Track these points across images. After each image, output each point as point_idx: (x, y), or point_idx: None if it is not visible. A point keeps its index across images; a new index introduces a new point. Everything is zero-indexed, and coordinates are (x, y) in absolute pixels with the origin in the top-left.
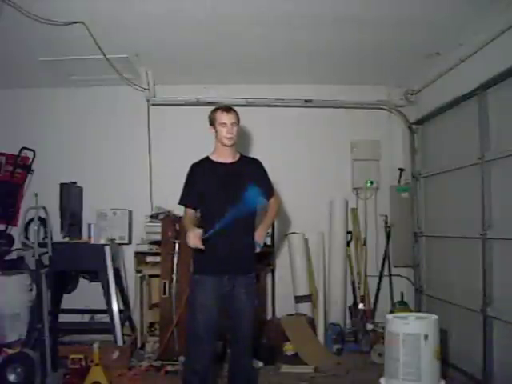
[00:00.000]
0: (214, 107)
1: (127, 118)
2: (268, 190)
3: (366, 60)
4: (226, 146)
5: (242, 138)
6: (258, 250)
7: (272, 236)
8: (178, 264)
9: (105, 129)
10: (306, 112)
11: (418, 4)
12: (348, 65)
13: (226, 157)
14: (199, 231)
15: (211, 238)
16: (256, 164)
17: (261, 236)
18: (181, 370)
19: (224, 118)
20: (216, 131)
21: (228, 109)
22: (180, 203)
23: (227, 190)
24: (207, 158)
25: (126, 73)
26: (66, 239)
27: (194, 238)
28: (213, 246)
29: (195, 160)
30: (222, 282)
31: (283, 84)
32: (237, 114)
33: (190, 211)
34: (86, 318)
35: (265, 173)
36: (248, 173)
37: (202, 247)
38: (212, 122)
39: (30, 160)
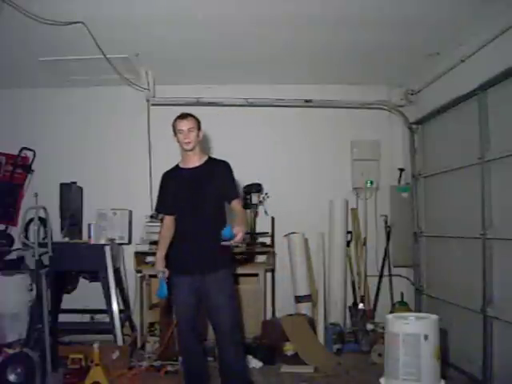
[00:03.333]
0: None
1: (127, 118)
2: (230, 191)
3: (366, 60)
4: (186, 150)
5: (242, 137)
6: (225, 242)
7: (272, 236)
8: None
9: (105, 129)
10: (306, 112)
11: (417, 4)
12: (348, 65)
13: (190, 162)
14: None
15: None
16: (223, 166)
17: (238, 231)
18: (181, 370)
19: (180, 125)
20: (177, 139)
21: (184, 115)
22: (155, 210)
23: (191, 193)
24: (177, 166)
25: (126, 73)
26: (66, 239)
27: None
28: (182, 247)
29: None
30: (194, 280)
31: (283, 84)
32: (195, 120)
33: (168, 217)
34: (86, 318)
35: (230, 175)
36: (213, 174)
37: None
38: (173, 132)
39: (30, 160)
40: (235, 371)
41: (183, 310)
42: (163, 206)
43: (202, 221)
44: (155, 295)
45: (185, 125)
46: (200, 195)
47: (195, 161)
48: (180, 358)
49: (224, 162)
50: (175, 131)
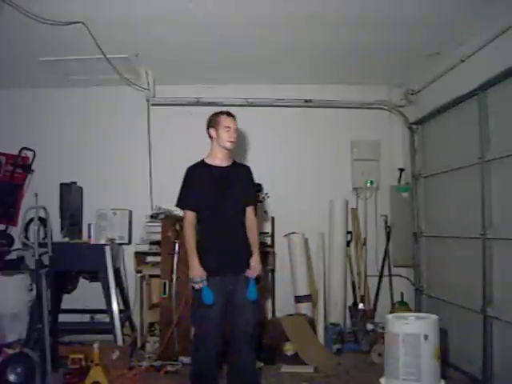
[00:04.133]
0: (216, 110)
1: (127, 118)
2: (250, 197)
3: (366, 60)
4: (227, 149)
5: (242, 138)
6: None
7: (272, 236)
8: (177, 264)
9: (105, 129)
10: (306, 112)
11: (417, 4)
12: (348, 65)
13: (221, 160)
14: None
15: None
16: (247, 171)
17: (257, 268)
18: (181, 370)
19: (229, 122)
20: (217, 134)
21: (232, 114)
22: (178, 206)
23: (222, 192)
24: (203, 162)
25: (126, 73)
26: (66, 239)
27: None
28: (215, 247)
29: (195, 160)
30: (224, 281)
31: (283, 84)
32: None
33: (192, 215)
34: (86, 318)
35: (252, 181)
36: (239, 177)
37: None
38: (213, 125)
39: (30, 160)
40: (252, 374)
41: (215, 313)
42: (189, 202)
43: (232, 220)
44: (203, 303)
45: (233, 123)
46: (230, 195)
47: (225, 160)
48: (181, 358)
49: (248, 166)
50: (217, 126)
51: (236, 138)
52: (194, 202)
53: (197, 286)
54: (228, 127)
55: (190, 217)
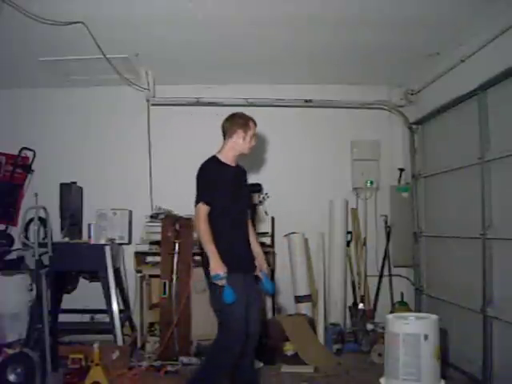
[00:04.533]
0: (237, 113)
1: (127, 118)
2: (250, 199)
3: (366, 60)
4: (245, 154)
5: None
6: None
7: (272, 236)
8: (177, 264)
9: (105, 129)
10: (306, 112)
11: (417, 4)
12: (348, 65)
13: (232, 161)
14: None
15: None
16: (245, 174)
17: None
18: (181, 370)
19: (255, 131)
20: (244, 138)
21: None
22: (205, 200)
23: (239, 191)
24: (218, 160)
25: (126, 73)
26: (66, 239)
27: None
28: (238, 244)
29: (195, 160)
30: (245, 279)
31: (283, 84)
32: None
33: (206, 211)
34: (86, 318)
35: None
36: (243, 180)
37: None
38: (244, 129)
39: (30, 160)
40: (255, 373)
41: (242, 310)
42: (212, 196)
43: (243, 220)
44: (224, 301)
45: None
46: (242, 195)
47: (234, 161)
48: (181, 358)
49: (245, 170)
50: (248, 129)
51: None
52: (214, 198)
53: (220, 283)
54: (255, 135)
55: (205, 211)
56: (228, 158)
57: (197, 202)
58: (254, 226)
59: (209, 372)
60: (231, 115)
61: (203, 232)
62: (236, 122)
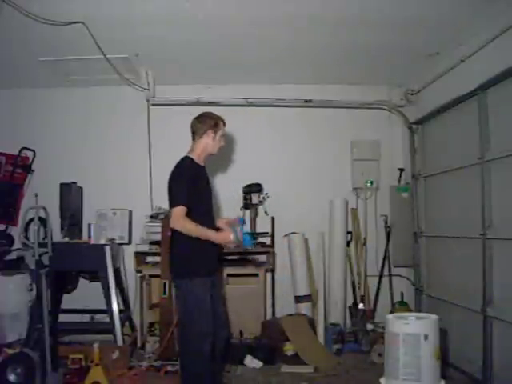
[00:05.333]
0: (206, 113)
1: (127, 118)
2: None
3: (366, 60)
4: (213, 154)
5: (242, 138)
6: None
7: (272, 236)
8: None
9: (105, 129)
10: (306, 112)
11: (417, 4)
12: (348, 65)
13: (202, 161)
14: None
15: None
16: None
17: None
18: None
19: (224, 131)
20: (214, 138)
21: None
22: (182, 203)
23: (210, 192)
24: (193, 160)
25: (126, 73)
26: (66, 239)
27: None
28: (209, 246)
29: None
30: (212, 281)
31: (283, 84)
32: None
33: (184, 213)
34: (86, 318)
35: None
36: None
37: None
38: (211, 128)
39: (30, 160)
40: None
41: (209, 312)
42: (186, 199)
43: (214, 221)
44: (243, 246)
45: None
46: (210, 195)
47: (204, 162)
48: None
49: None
50: (217, 129)
51: None
52: (194, 200)
53: (234, 239)
54: (224, 136)
55: (184, 213)
56: (199, 158)
57: (175, 205)
58: None
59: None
60: (201, 115)
61: (191, 229)
62: (206, 123)
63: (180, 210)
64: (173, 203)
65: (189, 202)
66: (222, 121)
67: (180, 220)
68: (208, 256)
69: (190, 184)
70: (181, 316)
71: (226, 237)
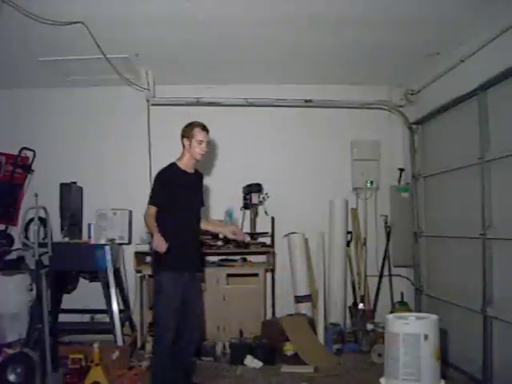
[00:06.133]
0: (190, 121)
1: (127, 118)
2: (202, 202)
3: (366, 60)
4: (197, 160)
5: (242, 137)
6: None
7: (272, 236)
8: None
9: (105, 129)
10: (307, 112)
11: (418, 4)
12: (348, 65)
13: (190, 168)
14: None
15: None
16: (202, 178)
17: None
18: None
19: (201, 135)
20: (190, 145)
21: (206, 127)
22: (154, 203)
23: (191, 196)
24: (175, 165)
25: (126, 73)
26: (66, 239)
27: (162, 242)
28: (183, 245)
29: None
30: (184, 278)
31: (283, 84)
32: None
33: (155, 210)
34: (86, 318)
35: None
36: (199, 185)
37: (163, 251)
38: (187, 136)
39: (30, 160)
40: (190, 368)
41: (176, 308)
42: (164, 200)
43: (195, 223)
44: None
45: (205, 137)
46: (196, 200)
47: (192, 168)
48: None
49: (202, 174)
50: (191, 137)
51: (207, 152)
52: (165, 201)
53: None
54: (201, 141)
55: (152, 211)
56: (186, 164)
57: (148, 203)
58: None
59: (155, 370)
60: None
61: (147, 221)
62: (183, 131)
63: (150, 209)
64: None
65: (162, 202)
66: (200, 126)
67: (149, 216)
68: (179, 252)
69: (165, 186)
70: (153, 308)
71: (158, 245)
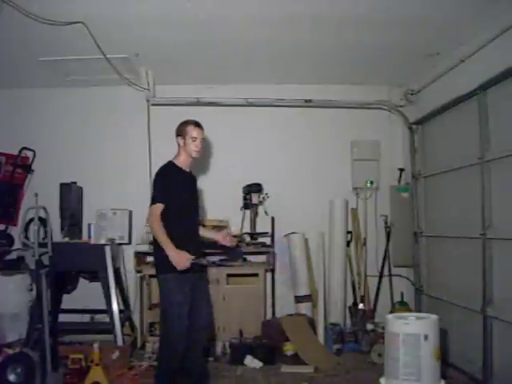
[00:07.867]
0: (185, 120)
1: (127, 118)
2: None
3: (367, 60)
4: (193, 158)
5: (243, 137)
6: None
7: (272, 236)
8: None
9: (105, 129)
10: (307, 112)
11: (418, 4)
12: (348, 65)
13: (186, 166)
14: (189, 256)
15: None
16: (196, 181)
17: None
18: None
19: (195, 132)
20: (184, 143)
21: (200, 124)
22: (162, 201)
23: (191, 195)
24: (174, 164)
25: (126, 73)
26: (66, 239)
27: (187, 261)
28: (188, 246)
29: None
30: (192, 280)
31: (283, 84)
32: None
33: (160, 212)
34: (86, 318)
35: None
36: (195, 185)
37: (188, 266)
38: (181, 134)
39: (30, 160)
40: (204, 372)
41: (185, 311)
42: (168, 198)
43: (196, 223)
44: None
45: (200, 134)
46: (195, 199)
47: (188, 167)
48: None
49: (195, 177)
50: (185, 134)
51: (201, 149)
52: (172, 199)
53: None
54: (194, 138)
55: (159, 212)
56: (183, 163)
57: (152, 203)
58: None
59: (160, 374)
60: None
61: (159, 233)
62: (177, 129)
63: (155, 209)
64: (151, 202)
65: (168, 200)
66: (193, 124)
67: (156, 218)
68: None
69: (168, 183)
70: (161, 310)
71: (180, 262)
